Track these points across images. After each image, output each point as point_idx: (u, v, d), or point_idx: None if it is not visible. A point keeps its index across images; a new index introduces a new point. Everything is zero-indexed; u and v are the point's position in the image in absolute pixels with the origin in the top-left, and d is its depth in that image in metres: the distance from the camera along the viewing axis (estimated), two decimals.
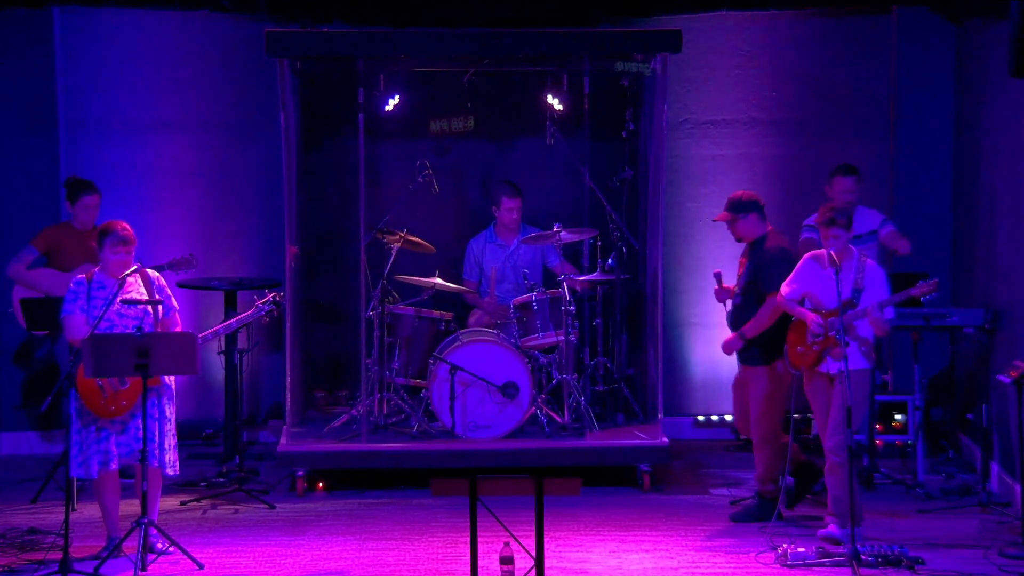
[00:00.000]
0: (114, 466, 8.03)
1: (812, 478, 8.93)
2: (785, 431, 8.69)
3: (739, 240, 8.91)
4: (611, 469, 9.23)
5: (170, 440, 8.11)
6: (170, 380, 8.18)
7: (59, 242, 9.71)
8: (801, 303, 8.39)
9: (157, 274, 8.29)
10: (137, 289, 8.13)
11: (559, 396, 9.91)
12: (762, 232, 8.82)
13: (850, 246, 8.33)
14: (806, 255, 8.46)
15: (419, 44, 9.93)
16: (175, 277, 9.77)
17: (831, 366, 8.23)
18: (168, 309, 8.16)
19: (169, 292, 8.25)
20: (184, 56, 10.92)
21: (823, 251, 8.28)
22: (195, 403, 10.78)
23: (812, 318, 8.25)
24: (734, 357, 8.91)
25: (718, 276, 8.96)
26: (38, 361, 10.58)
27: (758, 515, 8.79)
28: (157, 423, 8.00)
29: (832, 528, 8.25)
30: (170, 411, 8.13)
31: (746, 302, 8.77)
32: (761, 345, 8.73)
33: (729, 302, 8.90)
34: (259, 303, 8.55)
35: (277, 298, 8.56)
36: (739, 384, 9.00)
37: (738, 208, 8.79)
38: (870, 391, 8.42)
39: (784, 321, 8.54)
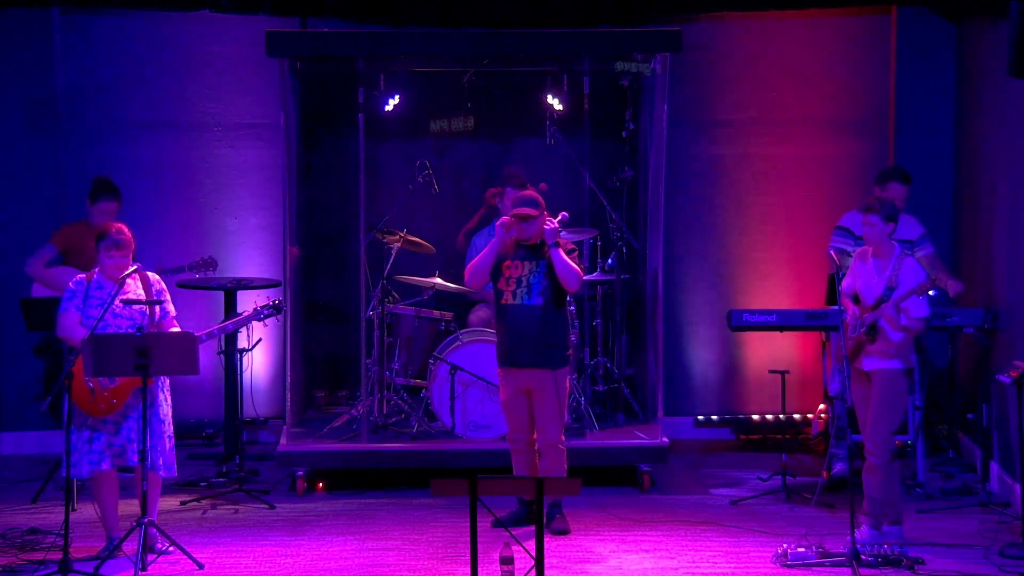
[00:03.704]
0: (106, 466, 8.01)
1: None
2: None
3: (526, 240, 8.53)
4: (611, 469, 9.21)
5: (166, 441, 8.10)
6: (165, 379, 8.17)
7: (78, 240, 9.64)
8: (856, 300, 8.30)
9: (157, 277, 8.28)
10: (135, 290, 8.12)
11: None
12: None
13: (893, 241, 8.21)
14: (857, 251, 8.40)
15: (419, 44, 9.94)
16: (174, 278, 9.75)
17: (865, 363, 8.21)
18: (164, 313, 8.14)
19: (167, 297, 8.23)
20: (184, 56, 10.91)
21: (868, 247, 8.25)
22: (195, 403, 10.76)
23: (850, 313, 8.24)
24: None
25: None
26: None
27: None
28: (151, 425, 7.98)
29: (864, 530, 8.10)
30: (164, 412, 8.12)
31: (548, 303, 8.46)
32: (564, 346, 8.59)
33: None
34: (258, 306, 8.54)
35: (277, 302, 8.55)
36: (525, 392, 8.56)
37: (540, 206, 8.48)
38: (904, 392, 8.23)
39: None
